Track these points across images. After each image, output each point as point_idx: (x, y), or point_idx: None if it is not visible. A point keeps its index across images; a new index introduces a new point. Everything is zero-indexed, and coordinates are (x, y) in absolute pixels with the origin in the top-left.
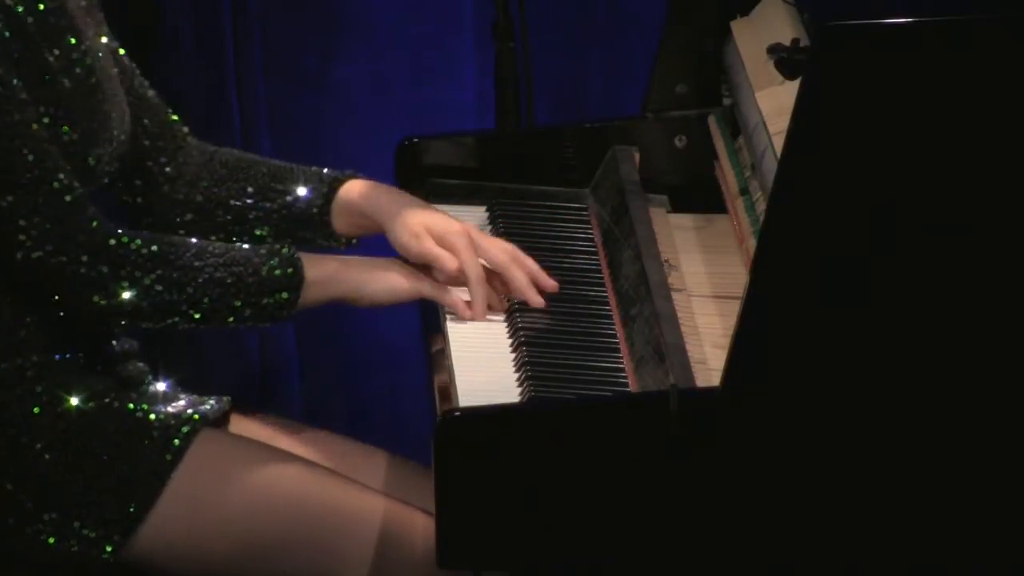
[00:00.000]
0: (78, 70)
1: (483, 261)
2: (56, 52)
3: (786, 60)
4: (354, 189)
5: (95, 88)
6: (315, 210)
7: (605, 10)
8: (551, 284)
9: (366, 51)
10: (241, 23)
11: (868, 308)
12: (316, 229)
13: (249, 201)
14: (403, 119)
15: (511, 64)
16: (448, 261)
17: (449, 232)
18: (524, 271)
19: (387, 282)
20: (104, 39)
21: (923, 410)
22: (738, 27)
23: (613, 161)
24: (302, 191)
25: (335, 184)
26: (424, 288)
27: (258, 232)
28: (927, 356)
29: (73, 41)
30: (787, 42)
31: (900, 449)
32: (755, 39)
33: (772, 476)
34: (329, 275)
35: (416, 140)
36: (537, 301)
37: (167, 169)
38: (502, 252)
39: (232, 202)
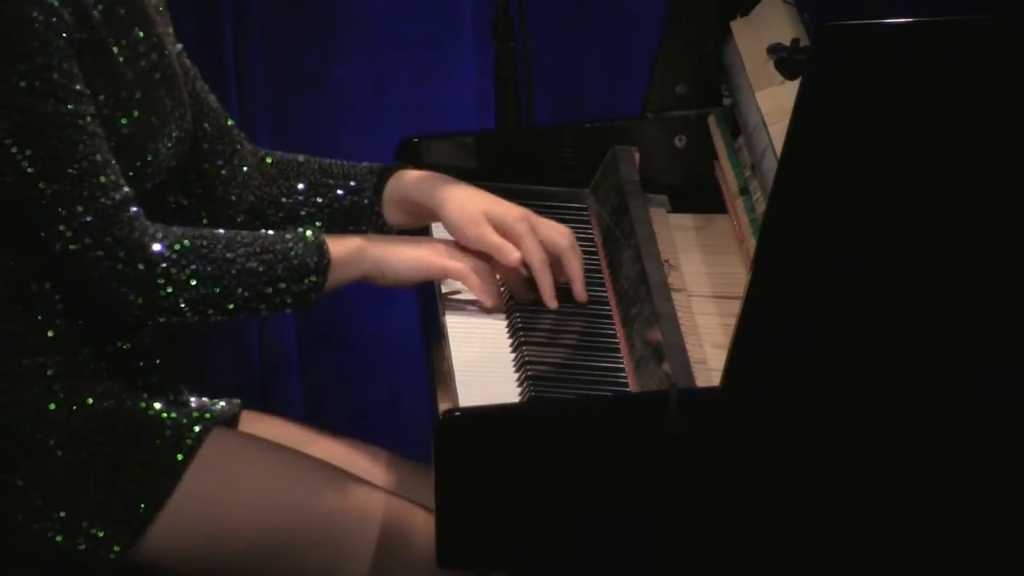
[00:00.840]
0: (143, 63)
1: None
2: (122, 43)
3: (786, 60)
4: (405, 177)
5: (158, 84)
6: (366, 201)
7: (605, 10)
8: (582, 295)
9: (366, 51)
10: (241, 23)
11: (868, 308)
12: (368, 221)
13: (300, 198)
14: (403, 119)
15: (511, 64)
16: (509, 252)
17: (508, 217)
18: (579, 262)
19: (411, 259)
20: (171, 39)
21: (923, 409)
22: (738, 27)
23: (613, 161)
24: (352, 183)
25: (385, 174)
26: (450, 266)
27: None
28: (927, 355)
29: (141, 35)
30: (787, 42)
31: (900, 448)
32: (755, 39)
33: (772, 476)
34: (354, 254)
35: (416, 140)
36: (582, 296)
37: (223, 172)
38: (561, 237)
39: (283, 199)
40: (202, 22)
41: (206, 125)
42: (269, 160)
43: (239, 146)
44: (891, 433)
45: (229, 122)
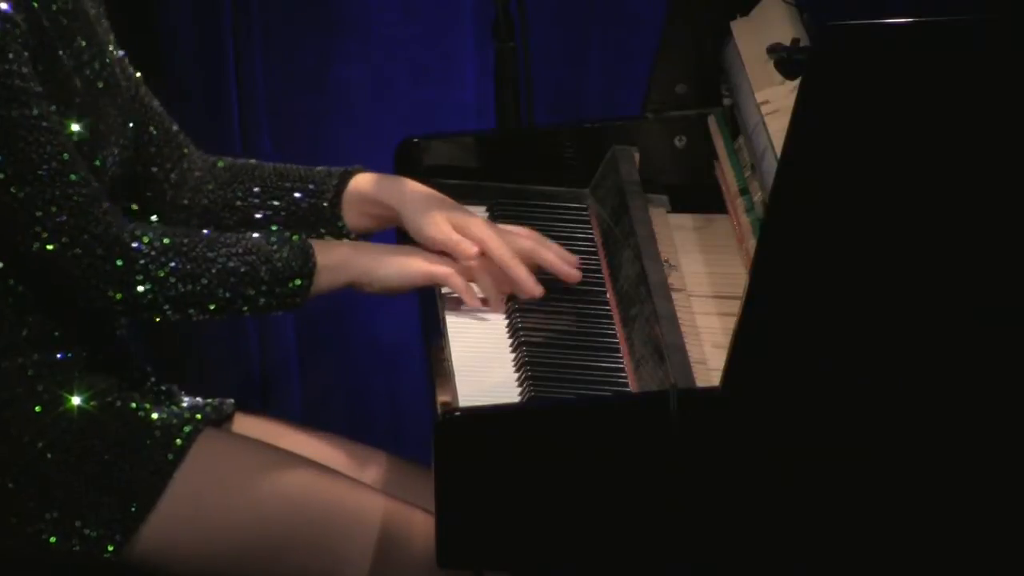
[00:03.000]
0: (87, 72)
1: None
2: (67, 51)
3: (786, 60)
4: (366, 179)
5: (102, 92)
6: (325, 204)
7: (605, 10)
8: (575, 275)
9: (366, 51)
10: (241, 23)
11: (868, 307)
12: (326, 224)
13: (255, 200)
14: (403, 119)
15: (511, 64)
16: (468, 248)
17: (470, 221)
18: (552, 251)
19: (398, 266)
20: (111, 47)
21: (923, 409)
22: (738, 27)
23: (613, 161)
24: (311, 186)
25: (345, 176)
26: (436, 271)
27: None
28: (927, 355)
29: (83, 44)
30: (787, 42)
31: (900, 449)
32: (755, 39)
33: (772, 476)
34: (340, 260)
35: (416, 140)
36: (573, 276)
37: (172, 175)
38: (524, 238)
39: (237, 203)
40: (202, 22)
41: (152, 129)
42: (220, 164)
43: (186, 150)
44: (891, 432)
45: (174, 127)
